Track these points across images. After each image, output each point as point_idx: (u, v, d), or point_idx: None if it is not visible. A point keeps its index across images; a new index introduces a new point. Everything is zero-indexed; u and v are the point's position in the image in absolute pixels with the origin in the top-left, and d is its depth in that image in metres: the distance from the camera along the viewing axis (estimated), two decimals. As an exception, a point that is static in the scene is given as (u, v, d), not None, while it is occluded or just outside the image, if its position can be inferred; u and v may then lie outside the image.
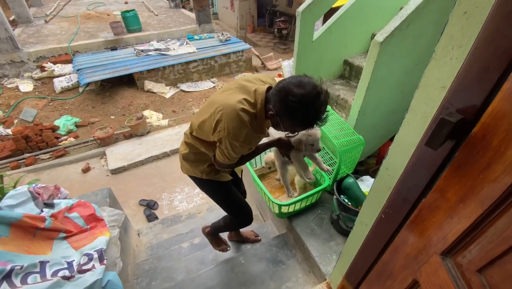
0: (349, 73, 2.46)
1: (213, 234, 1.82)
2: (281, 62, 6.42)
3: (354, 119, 1.80)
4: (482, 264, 0.46)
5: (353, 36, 2.40)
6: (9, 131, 4.43)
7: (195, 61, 5.92)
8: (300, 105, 0.95)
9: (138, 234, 2.70)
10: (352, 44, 2.45)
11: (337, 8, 2.31)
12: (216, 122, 1.05)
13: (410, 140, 0.69)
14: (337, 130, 1.74)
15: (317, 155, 1.52)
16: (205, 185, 1.43)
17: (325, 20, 2.50)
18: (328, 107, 2.03)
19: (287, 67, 5.83)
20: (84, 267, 1.42)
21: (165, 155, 4.24)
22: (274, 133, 1.59)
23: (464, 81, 0.51)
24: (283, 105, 0.99)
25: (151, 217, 3.23)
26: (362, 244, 0.98)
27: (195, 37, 6.86)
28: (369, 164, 2.33)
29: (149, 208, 3.38)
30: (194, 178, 1.42)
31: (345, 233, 1.70)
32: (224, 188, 1.45)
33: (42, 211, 1.67)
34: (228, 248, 1.84)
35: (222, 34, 6.75)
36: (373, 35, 2.43)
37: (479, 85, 0.48)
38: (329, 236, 1.74)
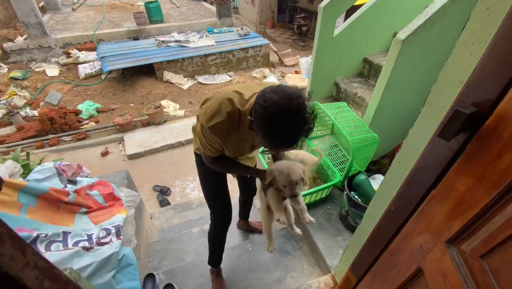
0: (368, 71, 2.44)
1: (212, 264, 1.62)
2: (298, 59, 6.39)
3: (370, 117, 1.80)
4: (485, 250, 0.47)
5: (374, 34, 2.38)
6: (35, 112, 4.67)
7: (213, 54, 5.99)
8: (265, 112, 0.80)
9: (151, 217, 2.82)
10: (373, 42, 2.42)
11: (359, 6, 2.29)
12: (205, 99, 1.07)
13: (425, 134, 0.70)
14: (352, 127, 1.75)
15: (301, 200, 1.21)
16: (198, 160, 1.32)
17: (346, 17, 2.47)
18: (344, 104, 2.05)
19: (305, 64, 5.80)
20: (103, 240, 1.51)
21: (180, 144, 4.35)
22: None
23: (482, 76, 0.52)
24: (254, 108, 0.85)
25: (163, 202, 3.34)
26: (369, 237, 1.00)
27: (215, 30, 6.92)
28: (382, 164, 2.32)
29: (162, 193, 3.49)
30: (195, 154, 1.35)
31: (353, 229, 1.72)
32: (212, 172, 1.30)
33: (66, 186, 1.79)
34: None
35: (242, 28, 6.78)
36: (395, 34, 2.39)
37: (496, 79, 0.49)
38: (336, 231, 1.76)
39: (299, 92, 0.82)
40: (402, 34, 1.56)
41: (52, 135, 4.29)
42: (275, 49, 6.71)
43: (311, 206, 1.92)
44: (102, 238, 1.53)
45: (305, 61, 5.74)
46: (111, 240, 1.52)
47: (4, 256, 0.33)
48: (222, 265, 1.65)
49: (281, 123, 0.80)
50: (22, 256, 0.37)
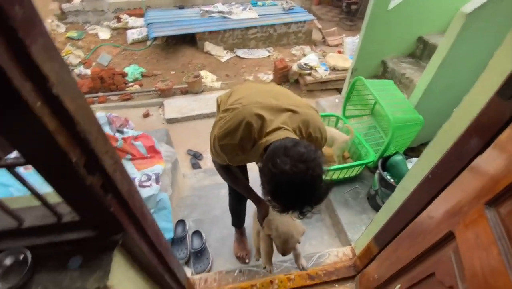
0: (422, 52, 2.26)
1: (234, 226, 1.69)
2: (344, 38, 6.04)
3: (417, 98, 1.70)
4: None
5: (434, 10, 2.16)
6: (88, 71, 5.09)
7: (254, 27, 5.90)
8: (273, 179, 0.72)
9: (183, 176, 3.03)
10: (432, 20, 2.21)
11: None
12: (226, 109, 0.95)
13: (480, 100, 0.67)
14: (395, 106, 1.67)
15: (298, 247, 1.13)
16: None
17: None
18: (391, 82, 1.94)
19: (350, 44, 5.47)
20: (144, 184, 1.68)
21: (215, 115, 4.48)
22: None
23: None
24: (264, 163, 0.77)
25: (195, 166, 3.55)
26: (399, 207, 1.00)
27: (259, 3, 6.75)
28: (422, 152, 2.20)
29: (195, 158, 3.70)
30: None
31: (379, 209, 1.70)
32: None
33: (115, 134, 1.98)
34: (246, 260, 1.61)
35: (286, 2, 6.53)
36: (459, 11, 2.15)
37: None
38: (362, 209, 1.76)
39: (316, 160, 0.71)
40: (467, 7, 1.41)
41: (102, 94, 4.67)
42: (320, 26, 6.40)
43: (338, 183, 1.91)
44: (144, 181, 1.70)
45: (351, 41, 5.41)
46: (151, 184, 1.69)
47: (92, 135, 0.41)
48: (246, 224, 1.75)
49: (288, 196, 0.73)
50: (103, 142, 0.45)
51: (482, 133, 0.61)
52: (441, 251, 0.70)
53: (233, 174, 1.17)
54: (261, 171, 0.80)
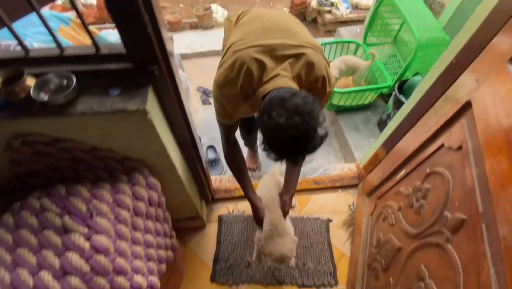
0: (459, -27, 2.03)
1: (246, 146, 1.78)
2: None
3: (447, 17, 1.58)
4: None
5: None
6: (94, 1, 4.79)
7: (272, -44, 5.29)
8: (268, 129, 0.73)
9: (195, 111, 3.07)
10: None
11: None
12: (226, 51, 0.89)
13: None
14: (422, 25, 1.56)
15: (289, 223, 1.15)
16: None
17: None
18: (420, 0, 1.80)
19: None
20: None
21: (225, 52, 4.33)
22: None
23: None
24: (260, 114, 0.77)
25: (206, 102, 3.57)
26: (412, 108, 1.01)
27: None
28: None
29: (205, 94, 3.70)
30: None
31: (389, 134, 1.73)
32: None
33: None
34: (257, 172, 1.76)
35: None
36: None
37: None
38: (371, 134, 1.80)
39: (313, 113, 0.70)
40: None
41: (109, 25, 4.48)
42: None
43: (351, 111, 1.92)
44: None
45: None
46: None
47: None
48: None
49: (282, 148, 0.74)
50: None
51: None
52: (454, 125, 0.73)
53: (238, 167, 1.15)
54: (257, 120, 0.80)
